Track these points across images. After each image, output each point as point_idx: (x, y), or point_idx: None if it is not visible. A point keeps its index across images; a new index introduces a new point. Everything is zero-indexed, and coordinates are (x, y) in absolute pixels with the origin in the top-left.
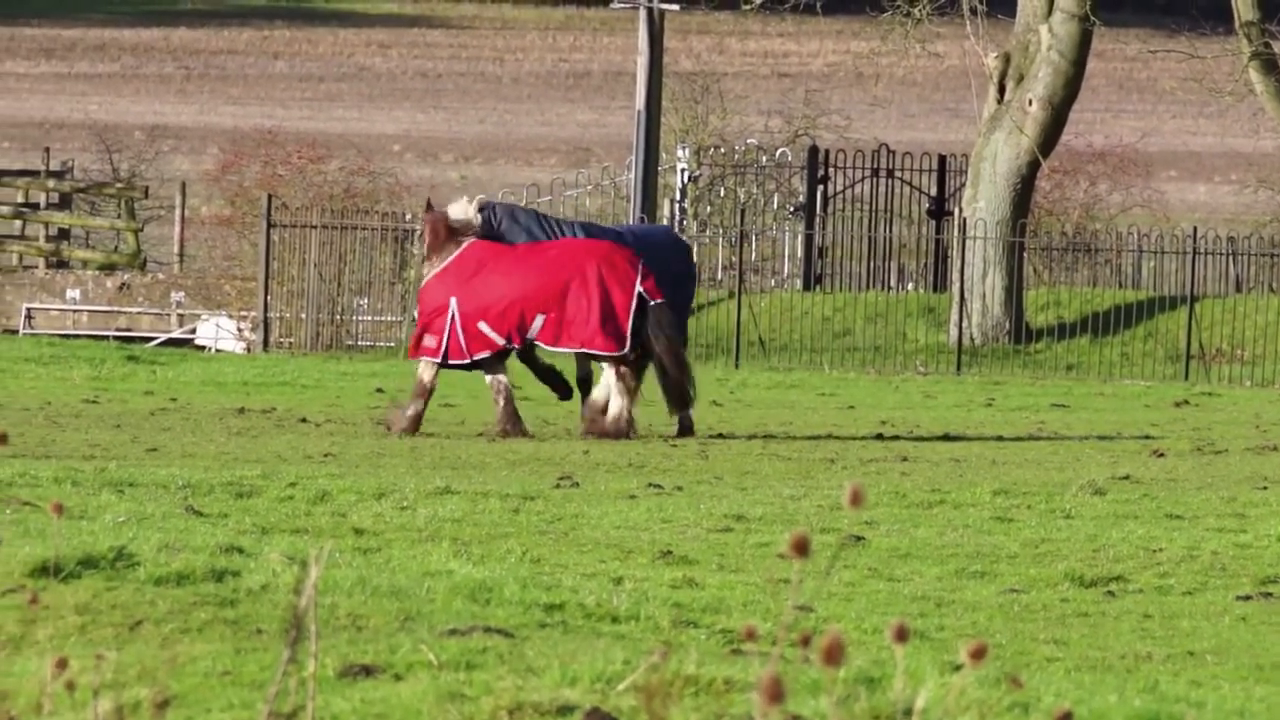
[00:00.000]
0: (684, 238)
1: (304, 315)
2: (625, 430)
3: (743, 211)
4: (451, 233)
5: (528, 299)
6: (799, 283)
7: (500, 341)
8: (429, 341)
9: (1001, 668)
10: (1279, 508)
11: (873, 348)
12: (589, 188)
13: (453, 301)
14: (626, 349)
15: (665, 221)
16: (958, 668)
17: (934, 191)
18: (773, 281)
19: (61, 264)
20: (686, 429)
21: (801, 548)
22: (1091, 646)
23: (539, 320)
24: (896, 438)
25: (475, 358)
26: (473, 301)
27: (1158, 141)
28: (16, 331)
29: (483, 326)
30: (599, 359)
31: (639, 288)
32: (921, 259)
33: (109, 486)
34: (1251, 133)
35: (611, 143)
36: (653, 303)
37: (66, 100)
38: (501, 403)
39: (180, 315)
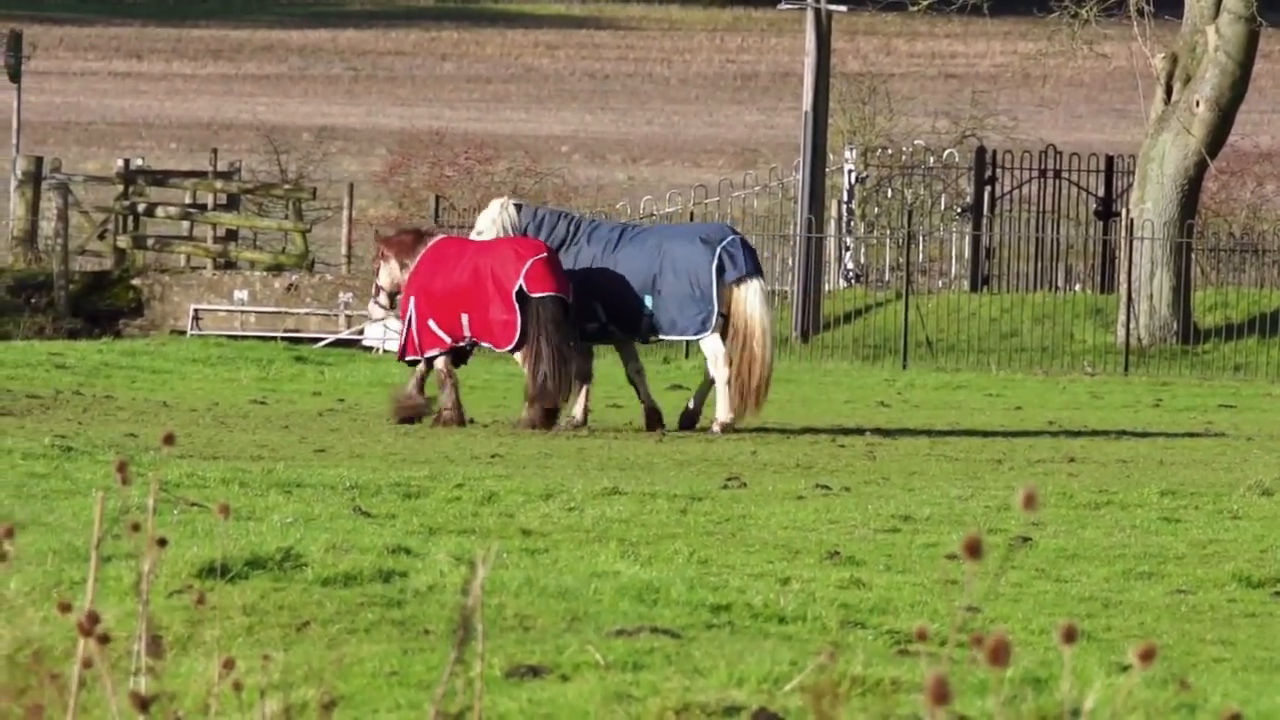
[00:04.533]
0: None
1: None
2: (536, 421)
3: (910, 212)
4: (419, 236)
5: (458, 297)
6: (966, 283)
7: (447, 340)
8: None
9: (1169, 669)
10: None
11: (1040, 348)
12: (756, 189)
13: (411, 302)
14: (513, 344)
15: (832, 223)
16: (1125, 668)
17: (1101, 192)
18: (940, 282)
19: (229, 265)
20: (532, 422)
21: (974, 549)
22: (1259, 647)
23: (464, 318)
24: (1065, 433)
25: (428, 354)
26: (426, 302)
27: None
28: (184, 332)
29: (431, 324)
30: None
31: (520, 281)
32: (1089, 260)
33: (276, 487)
34: None
35: (779, 144)
36: (535, 296)
37: (234, 101)
38: (447, 389)
39: (348, 316)
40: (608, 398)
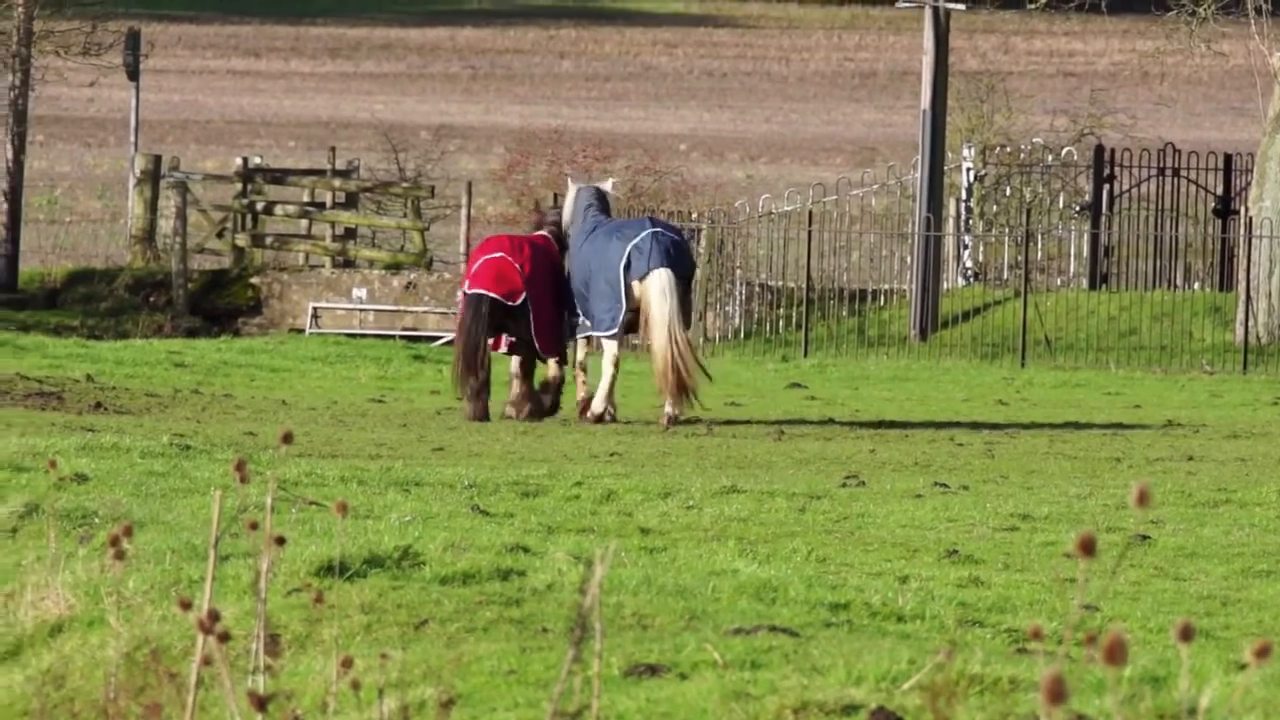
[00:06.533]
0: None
1: None
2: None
3: (1028, 210)
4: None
5: None
6: (1085, 282)
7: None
8: None
9: None
10: None
11: (1159, 347)
12: (875, 187)
13: None
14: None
15: (950, 221)
16: (1243, 667)
17: (1220, 190)
18: (1059, 280)
19: (348, 263)
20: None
21: (1088, 547)
22: None
23: None
24: (1183, 429)
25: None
26: None
27: None
28: (303, 330)
29: None
30: None
31: (465, 284)
32: (1207, 258)
33: (395, 486)
34: None
35: (897, 142)
36: (465, 293)
37: (352, 99)
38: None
39: None
40: (725, 395)
